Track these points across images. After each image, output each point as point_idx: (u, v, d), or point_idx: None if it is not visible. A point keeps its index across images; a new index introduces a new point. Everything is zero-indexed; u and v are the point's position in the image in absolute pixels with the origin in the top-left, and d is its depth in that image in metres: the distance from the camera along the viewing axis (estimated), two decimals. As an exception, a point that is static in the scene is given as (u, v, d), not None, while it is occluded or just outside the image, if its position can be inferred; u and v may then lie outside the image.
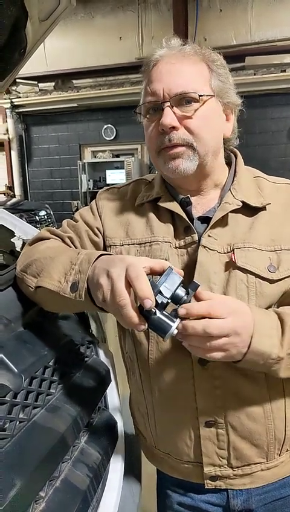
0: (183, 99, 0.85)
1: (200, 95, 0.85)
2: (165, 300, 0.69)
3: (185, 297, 0.71)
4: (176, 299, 0.71)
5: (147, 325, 0.69)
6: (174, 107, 0.86)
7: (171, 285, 0.70)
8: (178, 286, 0.70)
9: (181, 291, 0.71)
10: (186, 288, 0.72)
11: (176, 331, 0.70)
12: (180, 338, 0.73)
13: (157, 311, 0.69)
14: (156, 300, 0.68)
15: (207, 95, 0.86)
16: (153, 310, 0.68)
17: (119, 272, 0.70)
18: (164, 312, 0.70)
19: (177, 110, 0.86)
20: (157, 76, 0.87)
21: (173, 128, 0.85)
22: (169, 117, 0.85)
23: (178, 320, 0.70)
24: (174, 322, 0.69)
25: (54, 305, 0.90)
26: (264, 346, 0.75)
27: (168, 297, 0.69)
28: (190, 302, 0.71)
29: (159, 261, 0.74)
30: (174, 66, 0.86)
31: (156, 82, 0.87)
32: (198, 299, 0.74)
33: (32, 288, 0.88)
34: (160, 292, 0.69)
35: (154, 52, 0.90)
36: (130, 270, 0.69)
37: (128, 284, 0.69)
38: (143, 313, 0.68)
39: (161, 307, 0.69)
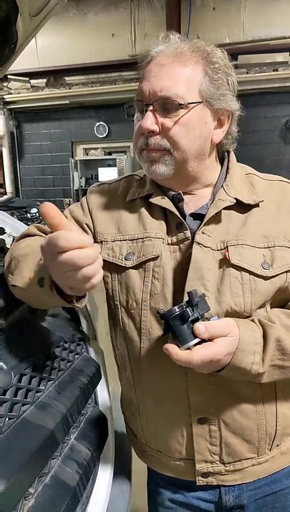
0: (166, 104, 0.84)
1: (180, 104, 0.82)
2: (197, 316, 0.73)
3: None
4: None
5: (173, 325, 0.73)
6: (156, 111, 0.85)
7: (201, 309, 0.75)
8: (204, 313, 0.75)
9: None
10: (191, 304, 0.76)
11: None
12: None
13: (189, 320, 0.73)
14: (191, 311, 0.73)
15: (191, 103, 0.84)
16: (190, 312, 0.73)
17: None
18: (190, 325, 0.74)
19: (160, 114, 0.85)
20: (147, 75, 0.86)
21: (152, 132, 0.85)
22: (149, 121, 0.84)
23: (196, 340, 0.74)
24: (194, 339, 0.73)
25: (30, 301, 0.90)
26: (245, 364, 0.77)
27: (200, 313, 0.74)
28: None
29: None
30: (164, 68, 0.84)
31: (145, 81, 0.86)
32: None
33: (11, 286, 0.88)
34: (197, 306, 0.74)
35: (151, 47, 0.88)
36: None
37: None
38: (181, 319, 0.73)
39: (191, 319, 0.73)
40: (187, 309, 0.73)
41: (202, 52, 0.85)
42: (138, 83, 0.89)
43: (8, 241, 1.51)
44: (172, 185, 0.93)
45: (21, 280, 0.83)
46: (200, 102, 0.85)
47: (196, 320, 0.73)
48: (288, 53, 6.34)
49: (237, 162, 0.99)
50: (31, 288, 0.81)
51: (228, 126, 0.92)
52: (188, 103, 0.83)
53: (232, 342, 0.76)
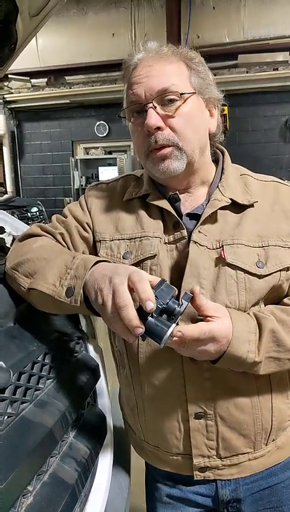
0: (165, 99, 0.86)
1: (181, 93, 0.86)
2: (160, 306, 0.70)
3: (179, 309, 0.72)
4: (169, 310, 0.72)
5: (144, 329, 0.69)
6: (157, 107, 0.86)
7: (166, 294, 0.71)
8: (171, 297, 0.72)
9: (174, 303, 0.72)
10: (178, 299, 0.74)
11: (170, 338, 0.71)
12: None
13: (154, 316, 0.70)
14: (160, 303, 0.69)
15: (188, 93, 0.87)
16: (153, 313, 0.69)
17: (122, 278, 0.72)
18: (159, 318, 0.71)
19: (160, 110, 0.86)
20: (137, 79, 0.88)
21: (158, 128, 0.86)
22: (153, 118, 0.85)
23: (173, 325, 0.71)
24: (169, 327, 0.70)
25: (47, 307, 0.90)
26: (241, 353, 0.78)
27: (164, 303, 0.71)
28: (183, 312, 0.73)
29: (156, 277, 0.75)
30: (153, 68, 0.87)
31: (137, 85, 0.88)
32: (194, 304, 0.77)
33: (24, 288, 0.88)
34: (156, 298, 0.70)
35: (132, 56, 0.91)
36: (133, 275, 0.71)
37: (130, 289, 0.70)
38: (141, 317, 0.69)
39: (157, 312, 0.70)
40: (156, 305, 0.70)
41: (180, 52, 0.90)
42: None
43: (8, 240, 1.51)
44: (176, 181, 0.94)
45: (45, 285, 0.83)
46: (194, 92, 0.89)
47: (166, 305, 0.71)
48: (288, 52, 6.32)
49: (237, 160, 1.01)
50: (55, 294, 0.81)
51: (217, 115, 0.95)
52: (186, 93, 0.87)
53: (227, 323, 0.78)
